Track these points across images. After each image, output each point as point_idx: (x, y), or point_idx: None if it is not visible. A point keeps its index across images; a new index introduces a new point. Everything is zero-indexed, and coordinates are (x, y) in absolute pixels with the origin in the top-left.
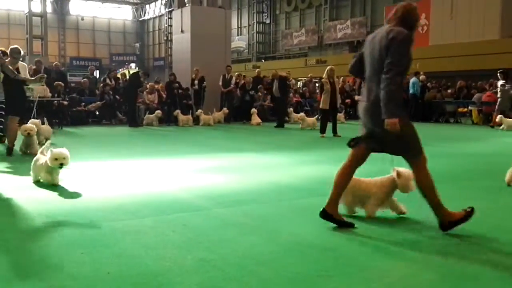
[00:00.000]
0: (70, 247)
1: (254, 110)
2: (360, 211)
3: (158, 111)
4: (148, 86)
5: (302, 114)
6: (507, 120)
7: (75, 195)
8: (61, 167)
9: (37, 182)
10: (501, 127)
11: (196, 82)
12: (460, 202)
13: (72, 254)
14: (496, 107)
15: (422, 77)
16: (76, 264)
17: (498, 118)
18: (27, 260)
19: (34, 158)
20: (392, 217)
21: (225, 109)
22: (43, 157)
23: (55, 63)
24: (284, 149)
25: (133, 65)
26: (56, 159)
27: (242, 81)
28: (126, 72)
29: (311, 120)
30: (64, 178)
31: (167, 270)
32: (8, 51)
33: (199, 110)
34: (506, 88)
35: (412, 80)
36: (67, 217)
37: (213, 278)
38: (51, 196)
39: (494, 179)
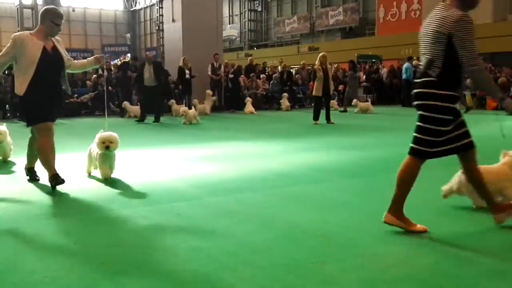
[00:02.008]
0: (63, 237)
1: (248, 99)
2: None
3: None
4: None
5: (184, 108)
6: (360, 104)
7: (68, 185)
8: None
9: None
10: (355, 110)
11: (187, 71)
12: None
13: (65, 244)
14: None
15: (415, 62)
16: (70, 255)
17: (354, 102)
18: (19, 250)
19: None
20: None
21: (212, 97)
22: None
23: None
24: (277, 137)
25: (129, 55)
26: (103, 142)
27: (232, 70)
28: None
29: (192, 112)
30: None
31: (161, 259)
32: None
33: (195, 100)
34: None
35: (405, 65)
36: (59, 208)
37: (207, 267)
38: (42, 186)
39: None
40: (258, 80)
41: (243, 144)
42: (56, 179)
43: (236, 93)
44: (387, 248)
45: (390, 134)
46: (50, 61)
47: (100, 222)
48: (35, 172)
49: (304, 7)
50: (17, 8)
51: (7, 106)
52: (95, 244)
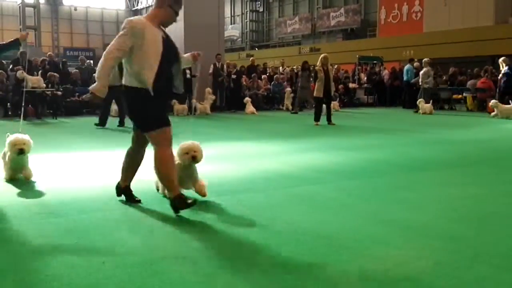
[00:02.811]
0: (65, 237)
1: (247, 99)
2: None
3: None
4: None
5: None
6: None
7: (68, 184)
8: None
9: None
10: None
11: (187, 71)
12: (454, 189)
13: (67, 243)
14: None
15: (416, 64)
16: (71, 254)
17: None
18: (21, 250)
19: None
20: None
21: (210, 96)
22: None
23: (49, 53)
24: (278, 137)
25: None
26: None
27: (234, 70)
28: None
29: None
30: (56, 168)
31: (162, 259)
32: None
33: (194, 100)
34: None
35: (406, 67)
36: (62, 207)
37: (207, 267)
38: (43, 186)
39: (487, 165)
40: (259, 80)
41: (244, 144)
42: (184, 202)
43: (238, 93)
44: (388, 249)
45: (391, 136)
46: (172, 54)
47: (101, 221)
48: (132, 191)
49: (306, 8)
50: (19, 7)
51: (8, 104)
52: (97, 243)
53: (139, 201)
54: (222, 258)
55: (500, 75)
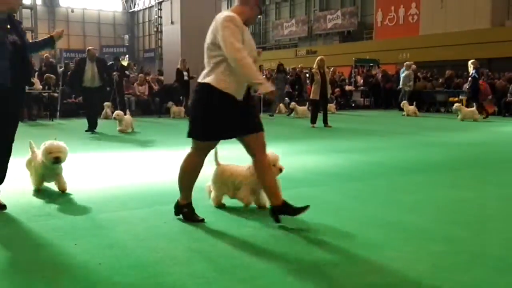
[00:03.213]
0: (62, 239)
1: None
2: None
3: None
4: (138, 77)
5: (118, 112)
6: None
7: (67, 187)
8: None
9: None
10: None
11: (185, 73)
12: (448, 191)
13: (64, 245)
14: None
15: (413, 66)
16: (68, 256)
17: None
18: (18, 252)
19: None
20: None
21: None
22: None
23: (45, 55)
24: (274, 139)
25: (127, 57)
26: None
27: None
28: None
29: (129, 119)
30: None
31: (159, 261)
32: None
33: (190, 102)
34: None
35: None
36: (59, 209)
37: (205, 269)
38: (42, 188)
39: (481, 168)
40: None
41: (240, 146)
42: (292, 209)
43: None
44: (384, 252)
45: (387, 138)
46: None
47: (98, 223)
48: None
49: (303, 11)
50: None
51: None
52: (94, 245)
53: (202, 220)
54: (218, 261)
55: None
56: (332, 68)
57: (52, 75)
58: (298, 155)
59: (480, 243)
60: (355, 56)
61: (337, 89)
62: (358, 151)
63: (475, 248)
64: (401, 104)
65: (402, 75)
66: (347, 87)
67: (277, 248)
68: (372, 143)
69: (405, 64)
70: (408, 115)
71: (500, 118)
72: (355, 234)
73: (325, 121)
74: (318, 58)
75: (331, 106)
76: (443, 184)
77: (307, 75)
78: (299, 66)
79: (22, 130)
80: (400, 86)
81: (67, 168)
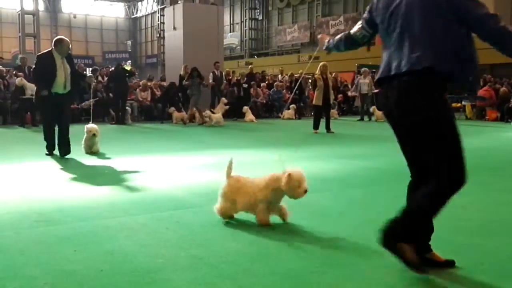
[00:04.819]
0: (63, 244)
1: (246, 107)
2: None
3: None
4: (141, 83)
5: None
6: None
7: (67, 193)
8: None
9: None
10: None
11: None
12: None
13: (65, 251)
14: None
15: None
16: (69, 261)
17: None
18: (20, 257)
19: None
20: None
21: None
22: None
23: None
24: (277, 145)
25: (129, 62)
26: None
27: (235, 78)
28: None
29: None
30: (55, 176)
31: (160, 267)
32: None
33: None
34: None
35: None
36: (60, 215)
37: (207, 275)
38: (42, 193)
39: (486, 174)
40: (258, 88)
41: (243, 152)
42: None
43: (245, 102)
44: (386, 258)
45: (389, 144)
46: None
47: (99, 229)
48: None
49: (305, 16)
50: (19, 14)
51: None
52: (95, 251)
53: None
54: (220, 267)
55: None
56: (334, 74)
57: None
58: (299, 161)
59: (484, 248)
60: (358, 62)
61: (340, 95)
62: (360, 157)
63: (477, 254)
64: (371, 110)
65: (361, 82)
66: (350, 93)
67: (279, 254)
68: (375, 149)
69: (363, 70)
70: (377, 120)
71: (502, 123)
72: (357, 240)
73: (327, 127)
74: (321, 63)
75: (334, 112)
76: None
77: (309, 80)
78: (299, 72)
79: (22, 136)
80: (365, 92)
81: (66, 175)
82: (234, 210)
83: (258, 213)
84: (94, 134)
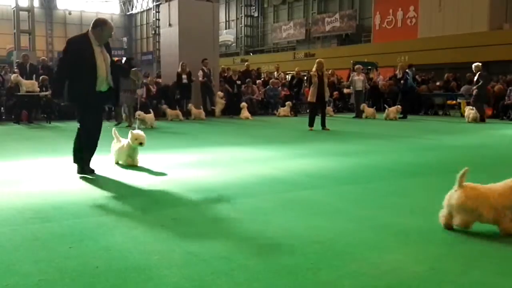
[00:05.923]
0: (58, 241)
1: (244, 104)
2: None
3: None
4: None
5: None
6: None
7: (62, 189)
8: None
9: None
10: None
11: (184, 76)
12: (445, 194)
13: (60, 248)
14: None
15: (412, 69)
16: (64, 258)
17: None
18: (15, 254)
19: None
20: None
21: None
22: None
23: (42, 58)
24: (272, 142)
25: (124, 58)
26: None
27: (230, 74)
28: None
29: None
30: (47, 173)
31: (156, 264)
32: None
33: (190, 104)
34: None
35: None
36: (55, 211)
37: (202, 272)
38: (37, 190)
39: (481, 171)
40: (254, 85)
41: (238, 149)
42: None
43: (238, 99)
44: (382, 255)
45: (384, 141)
46: None
47: (94, 226)
48: None
49: (301, 13)
50: (14, 11)
51: (2, 108)
52: (90, 248)
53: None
54: (216, 264)
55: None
56: (330, 70)
57: (47, 77)
58: (295, 158)
59: (479, 245)
60: (353, 59)
61: (335, 92)
62: (355, 154)
63: (473, 251)
64: (361, 107)
65: (355, 78)
66: (345, 90)
67: (274, 251)
68: (370, 146)
69: (356, 68)
70: (366, 117)
71: (497, 121)
72: (352, 237)
73: (323, 124)
74: (317, 60)
75: (329, 109)
76: (440, 187)
77: (305, 77)
78: (296, 69)
79: (17, 133)
80: (359, 89)
81: (63, 171)
82: (473, 221)
83: (504, 221)
84: (141, 143)
